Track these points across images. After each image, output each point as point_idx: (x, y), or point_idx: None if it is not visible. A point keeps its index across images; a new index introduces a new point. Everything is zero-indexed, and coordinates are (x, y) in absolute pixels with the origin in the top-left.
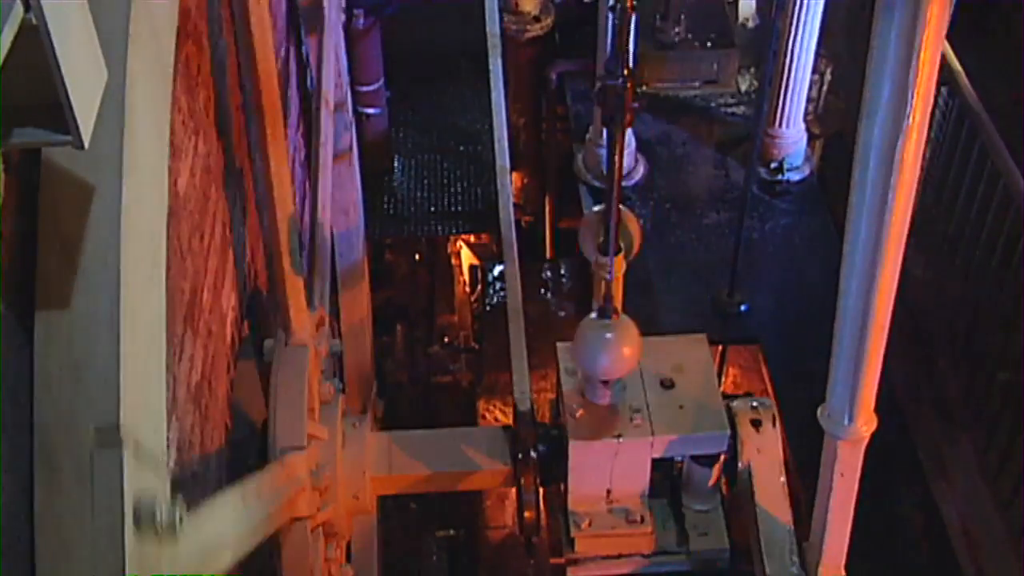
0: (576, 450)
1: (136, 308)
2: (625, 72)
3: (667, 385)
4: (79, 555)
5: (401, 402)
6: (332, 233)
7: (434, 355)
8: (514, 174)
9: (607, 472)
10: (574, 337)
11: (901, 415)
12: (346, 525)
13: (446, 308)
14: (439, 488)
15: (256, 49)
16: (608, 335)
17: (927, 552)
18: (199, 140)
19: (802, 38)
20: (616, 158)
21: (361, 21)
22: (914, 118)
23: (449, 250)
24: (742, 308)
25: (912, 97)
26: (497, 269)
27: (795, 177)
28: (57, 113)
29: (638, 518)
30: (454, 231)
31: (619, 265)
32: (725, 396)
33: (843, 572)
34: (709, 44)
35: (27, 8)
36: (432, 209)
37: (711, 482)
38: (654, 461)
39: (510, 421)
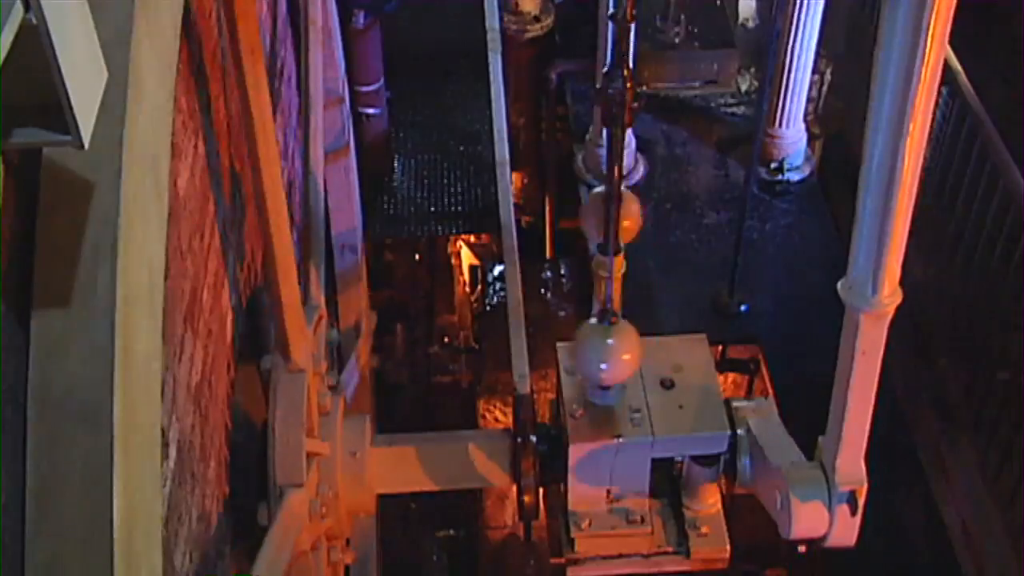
0: (576, 450)
1: (134, 309)
2: (625, 73)
3: (667, 385)
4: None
5: (401, 402)
6: (330, 232)
7: (434, 355)
8: (514, 174)
9: (607, 472)
10: (574, 342)
11: (901, 415)
12: (346, 525)
13: (446, 308)
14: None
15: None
16: (609, 341)
17: (927, 552)
18: (199, 140)
19: (802, 38)
20: (616, 158)
21: (361, 21)
22: None
23: (449, 250)
24: (742, 308)
25: None
26: (497, 269)
27: (795, 177)
28: (57, 113)
29: (638, 518)
30: (454, 231)
31: (619, 265)
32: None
33: (863, 467)
34: (709, 44)
35: (27, 8)
36: (432, 209)
37: (711, 482)
38: (654, 461)
39: (510, 421)
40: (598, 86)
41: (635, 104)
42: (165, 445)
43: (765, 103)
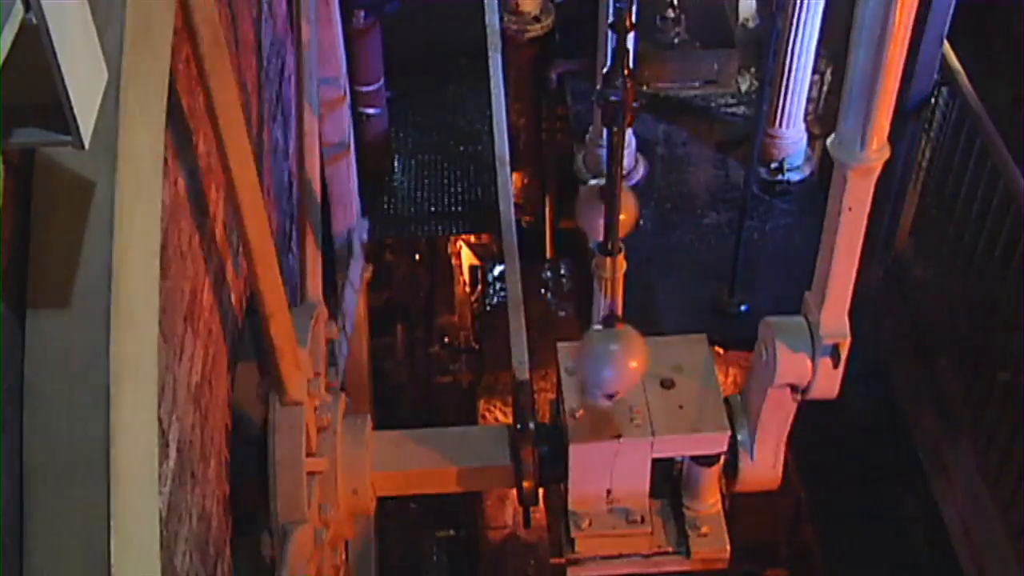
0: (576, 450)
1: (131, 308)
2: (625, 73)
3: (667, 385)
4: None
5: (401, 402)
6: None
7: (434, 355)
8: (514, 174)
9: (607, 472)
10: (578, 346)
11: (901, 415)
12: (347, 527)
13: (446, 308)
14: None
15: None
16: (614, 347)
17: (927, 552)
18: (199, 140)
19: (802, 38)
20: (616, 158)
21: (361, 21)
22: None
23: (449, 250)
24: (742, 308)
25: None
26: (497, 269)
27: (795, 177)
28: (57, 113)
29: (638, 518)
30: (454, 231)
31: (619, 265)
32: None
33: (846, 322)
34: (709, 44)
35: (27, 8)
36: (432, 209)
37: (711, 482)
38: (654, 461)
39: (510, 421)
40: (598, 86)
41: (635, 104)
42: (165, 445)
43: (765, 103)
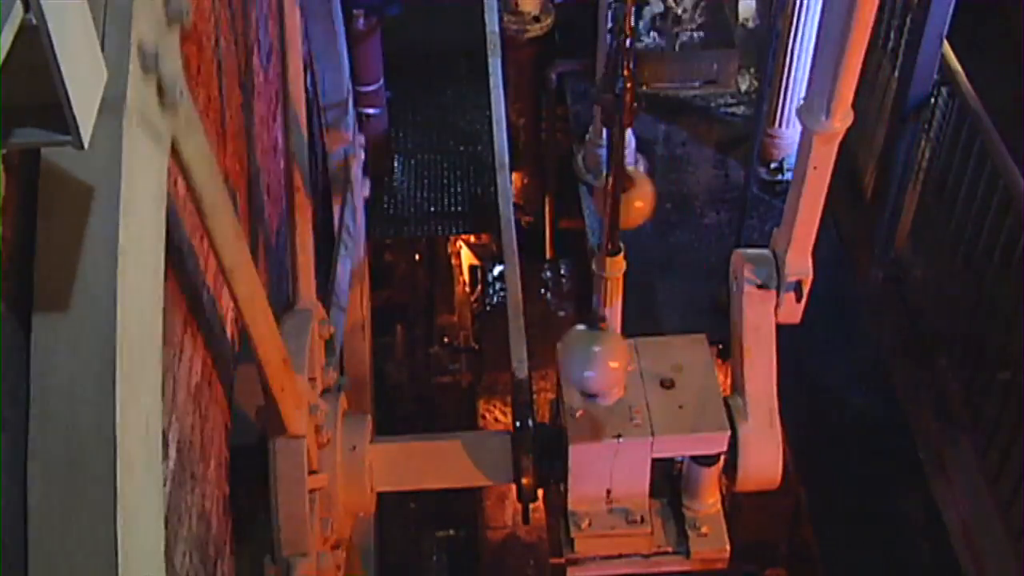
0: (576, 450)
1: (135, 309)
2: (625, 73)
3: (667, 385)
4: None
5: (401, 402)
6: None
7: (434, 355)
8: (514, 174)
9: (607, 472)
10: (560, 350)
11: (901, 415)
12: (346, 526)
13: (446, 308)
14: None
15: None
16: (595, 348)
17: (927, 552)
18: None
19: (802, 38)
20: (616, 158)
21: (362, 22)
22: None
23: (449, 250)
24: None
25: None
26: (497, 269)
27: None
28: (57, 113)
29: (638, 518)
30: (454, 231)
31: (619, 265)
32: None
33: (809, 261)
34: (709, 44)
35: (27, 8)
36: (432, 209)
37: (711, 482)
38: (654, 461)
39: (510, 421)
40: (598, 87)
41: (635, 104)
42: (165, 445)
43: (765, 103)
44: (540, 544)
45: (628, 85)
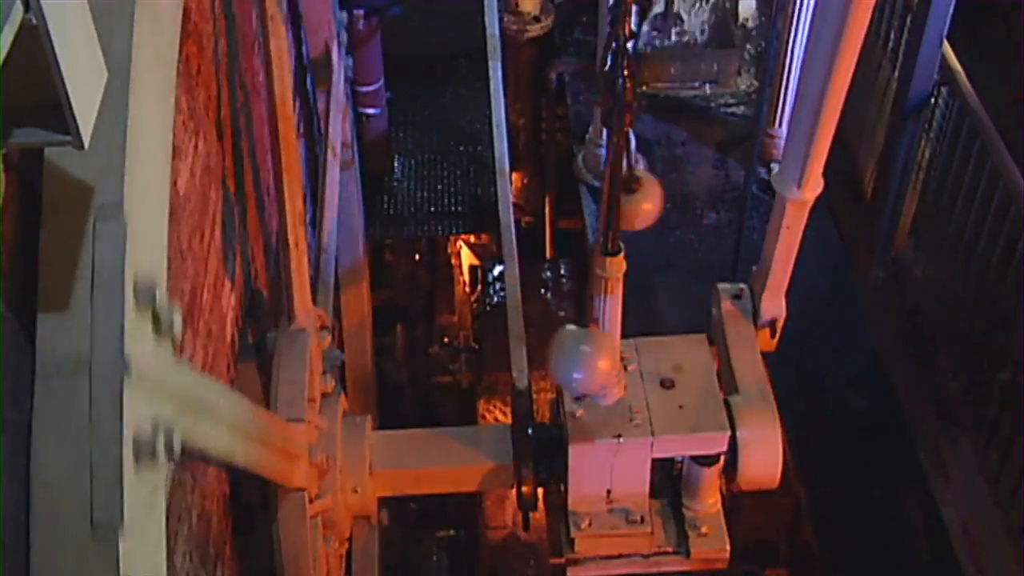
0: (576, 450)
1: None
2: (625, 73)
3: (667, 385)
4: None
5: (401, 402)
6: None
7: (434, 355)
8: (514, 174)
9: (607, 472)
10: (548, 350)
11: (901, 415)
12: (346, 522)
13: (446, 308)
14: (440, 488)
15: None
16: (584, 348)
17: (927, 552)
18: (199, 140)
19: (802, 38)
20: (616, 158)
21: (362, 22)
22: None
23: (449, 250)
24: None
25: None
26: (497, 269)
27: None
28: (57, 113)
29: (638, 518)
30: (454, 231)
31: (619, 265)
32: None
33: (783, 304)
34: (709, 44)
35: (27, 8)
36: (432, 209)
37: (711, 482)
38: (654, 461)
39: (510, 420)
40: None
41: (636, 106)
42: None
43: (765, 103)
44: (540, 544)
45: (628, 85)
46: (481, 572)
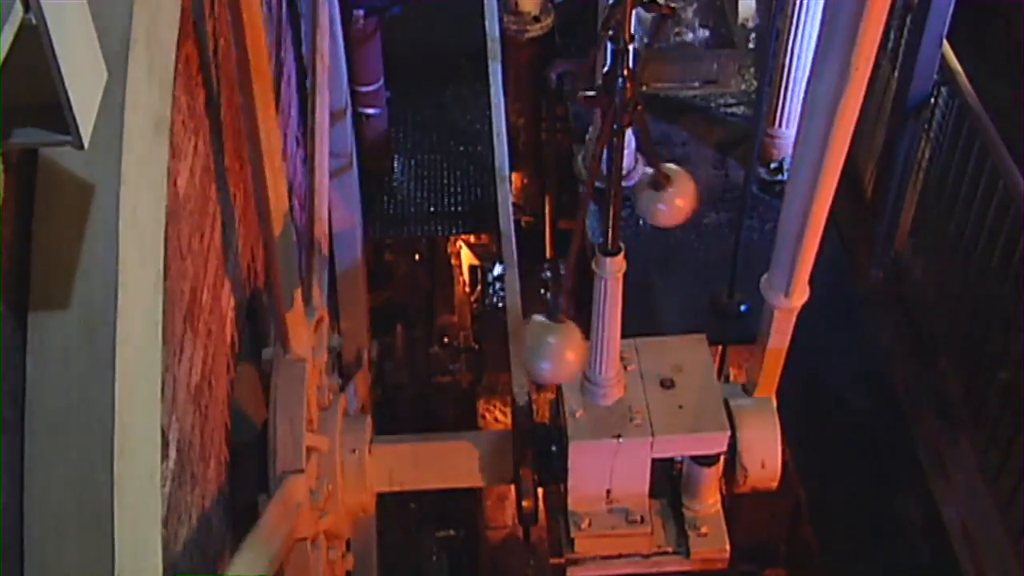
0: (576, 450)
1: (134, 310)
2: (625, 73)
3: (667, 385)
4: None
5: (401, 402)
6: (331, 232)
7: (434, 355)
8: (514, 174)
9: (607, 472)
10: (520, 340)
11: (901, 415)
12: (346, 526)
13: (446, 308)
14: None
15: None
16: (551, 339)
17: (927, 552)
18: (199, 140)
19: (802, 38)
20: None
21: (362, 22)
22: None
23: (449, 250)
24: (742, 308)
25: None
26: (497, 269)
27: None
28: (57, 113)
29: (638, 518)
30: (454, 231)
31: (619, 265)
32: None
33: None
34: (709, 44)
35: (27, 8)
36: (432, 209)
37: (711, 482)
38: (654, 461)
39: (509, 421)
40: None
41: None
42: (165, 445)
43: (765, 103)
44: (540, 544)
45: (628, 85)
46: (481, 572)
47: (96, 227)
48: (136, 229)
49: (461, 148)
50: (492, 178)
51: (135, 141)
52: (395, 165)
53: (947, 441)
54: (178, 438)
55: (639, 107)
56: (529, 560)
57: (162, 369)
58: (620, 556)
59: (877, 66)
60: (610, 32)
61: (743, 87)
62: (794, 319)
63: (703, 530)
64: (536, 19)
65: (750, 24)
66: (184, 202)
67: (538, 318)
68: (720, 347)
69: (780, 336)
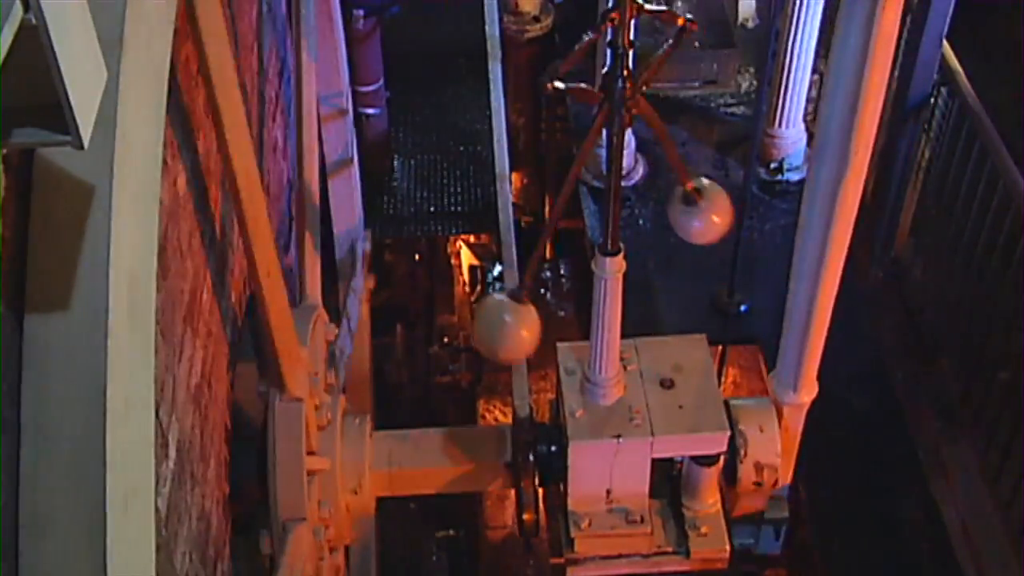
0: (576, 450)
1: (129, 310)
2: (625, 73)
3: (667, 385)
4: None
5: (401, 402)
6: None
7: (434, 355)
8: (514, 174)
9: (607, 472)
10: (474, 317)
11: (901, 415)
12: (346, 530)
13: (446, 308)
14: (438, 489)
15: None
16: (506, 317)
17: (927, 552)
18: (199, 139)
19: (802, 38)
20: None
21: (361, 22)
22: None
23: (449, 250)
24: (742, 308)
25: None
26: (497, 269)
27: (795, 177)
28: (57, 113)
29: (638, 518)
30: (454, 231)
31: (619, 265)
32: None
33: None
34: (709, 44)
35: (27, 8)
36: (432, 209)
37: (711, 482)
38: (654, 461)
39: (510, 421)
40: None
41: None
42: (165, 446)
43: (765, 103)
44: (540, 544)
45: (628, 85)
46: (481, 572)
47: (93, 227)
48: (133, 229)
49: (461, 148)
50: (492, 178)
51: (133, 140)
52: (395, 165)
53: (947, 441)
54: (178, 438)
55: (661, 128)
56: (529, 560)
57: (162, 369)
58: (620, 556)
59: None
60: (608, 39)
61: (743, 87)
62: (804, 416)
63: (703, 530)
64: (536, 19)
65: (750, 24)
66: (184, 202)
67: (496, 296)
68: (720, 347)
69: (790, 436)
